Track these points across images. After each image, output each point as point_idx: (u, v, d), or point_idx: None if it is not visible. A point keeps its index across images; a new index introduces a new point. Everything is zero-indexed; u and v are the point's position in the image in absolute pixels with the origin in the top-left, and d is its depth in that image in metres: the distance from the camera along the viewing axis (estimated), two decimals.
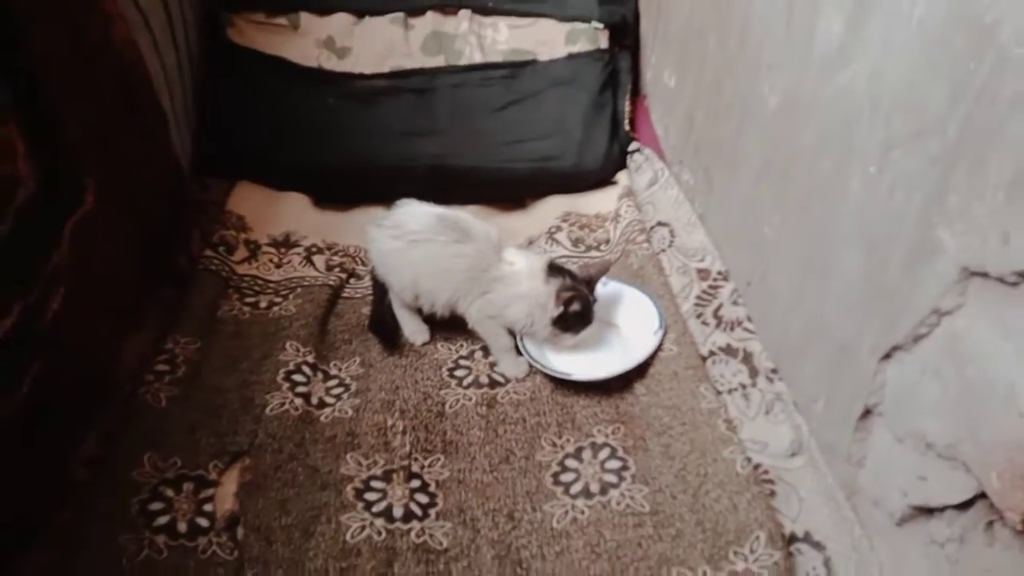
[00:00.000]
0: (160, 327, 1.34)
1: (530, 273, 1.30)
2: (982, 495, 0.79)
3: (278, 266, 1.57)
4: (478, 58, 1.84)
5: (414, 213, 1.34)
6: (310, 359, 1.34)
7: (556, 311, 1.27)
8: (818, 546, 1.02)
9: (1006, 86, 0.71)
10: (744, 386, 1.23)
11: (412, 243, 1.31)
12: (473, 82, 1.81)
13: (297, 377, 1.30)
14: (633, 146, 1.78)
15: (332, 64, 1.82)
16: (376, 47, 1.83)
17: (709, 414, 1.18)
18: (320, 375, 1.33)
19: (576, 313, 1.27)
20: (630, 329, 1.37)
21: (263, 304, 1.47)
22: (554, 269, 1.30)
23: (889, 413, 0.93)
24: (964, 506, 0.83)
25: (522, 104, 1.79)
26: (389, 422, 1.25)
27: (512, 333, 1.35)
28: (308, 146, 1.74)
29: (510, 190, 1.76)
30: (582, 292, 1.28)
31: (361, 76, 1.80)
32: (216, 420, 1.21)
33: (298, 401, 1.26)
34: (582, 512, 1.11)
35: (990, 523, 0.81)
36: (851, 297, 0.99)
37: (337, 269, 1.58)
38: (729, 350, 1.29)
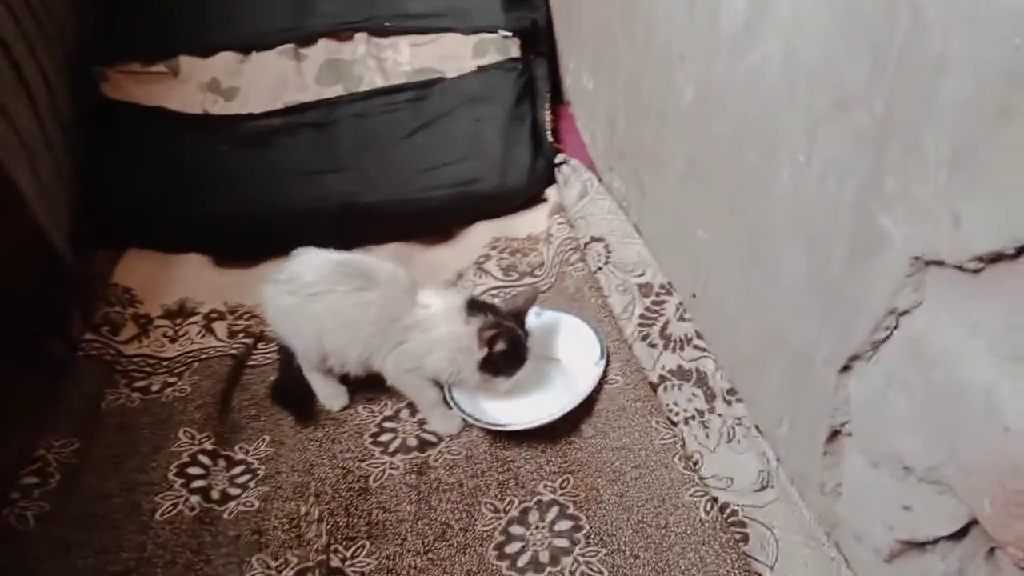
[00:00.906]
0: (28, 430, 1.19)
1: (447, 314, 1.18)
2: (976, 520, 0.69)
3: (173, 340, 1.43)
4: (380, 82, 1.73)
5: (309, 263, 1.21)
6: (208, 445, 1.20)
7: (480, 353, 1.15)
8: None
9: (928, 49, 0.62)
10: (701, 412, 1.12)
11: (310, 297, 1.18)
12: (376, 109, 1.69)
13: (193, 470, 1.16)
14: (559, 158, 1.68)
15: (219, 108, 1.69)
16: (266, 84, 1.71)
17: (664, 452, 1.06)
18: (222, 463, 1.19)
19: (504, 353, 1.15)
20: (572, 361, 1.26)
21: (155, 387, 1.32)
22: (475, 306, 1.18)
23: (858, 433, 0.82)
24: (958, 535, 0.72)
25: (433, 127, 1.68)
26: (302, 510, 1.11)
27: (439, 384, 1.23)
28: (201, 199, 1.61)
29: (431, 221, 1.64)
30: (508, 328, 1.16)
31: (252, 116, 1.68)
32: (96, 535, 1.06)
33: (194, 499, 1.12)
34: None
35: (991, 550, 0.70)
36: (799, 301, 0.89)
37: (241, 335, 1.44)
38: (681, 372, 1.18)
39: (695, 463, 1.05)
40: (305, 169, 1.65)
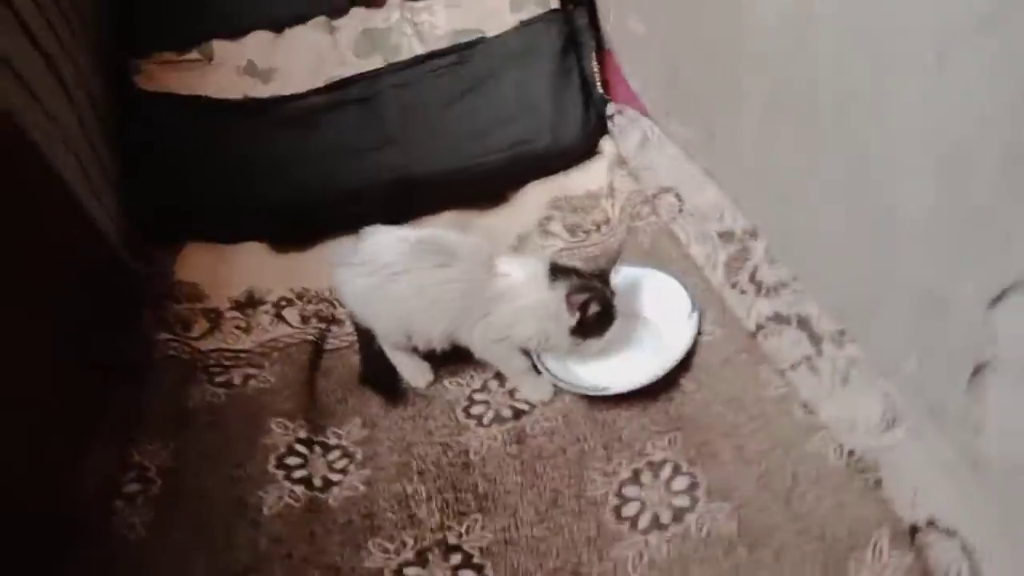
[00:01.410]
0: (122, 436, 1.17)
1: (531, 282, 1.14)
2: None
3: (246, 331, 1.40)
4: (419, 49, 1.66)
5: (385, 242, 1.17)
6: (302, 434, 1.18)
7: (572, 319, 1.11)
8: (949, 533, 0.86)
9: None
10: (808, 357, 1.07)
11: (391, 277, 1.14)
12: (419, 78, 1.63)
13: (291, 460, 1.14)
14: (611, 108, 1.61)
15: (259, 90, 1.64)
16: (304, 61, 1.65)
17: (779, 401, 1.02)
18: (318, 449, 1.17)
19: (597, 315, 1.11)
20: (660, 318, 1.21)
21: (237, 380, 1.30)
22: (558, 271, 1.14)
23: (1010, 369, 0.77)
24: None
25: (478, 90, 1.61)
26: (409, 489, 1.09)
27: (527, 352, 1.19)
28: (251, 187, 1.57)
29: (485, 186, 1.59)
30: (597, 289, 1.12)
31: (294, 97, 1.62)
32: (208, 537, 1.04)
33: (298, 489, 1.10)
34: (659, 550, 0.95)
35: None
36: (926, 232, 0.83)
37: (314, 320, 1.41)
38: (780, 318, 1.13)
39: (814, 410, 1.01)
40: (352, 146, 1.60)
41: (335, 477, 1.13)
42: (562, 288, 1.11)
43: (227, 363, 1.33)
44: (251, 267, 1.52)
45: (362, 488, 1.11)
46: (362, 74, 1.64)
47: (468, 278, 1.13)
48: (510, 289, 1.14)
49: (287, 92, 1.63)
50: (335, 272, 1.22)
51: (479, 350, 1.18)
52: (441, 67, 1.64)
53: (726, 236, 1.26)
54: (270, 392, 1.26)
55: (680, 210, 1.35)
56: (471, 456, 1.13)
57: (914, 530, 0.87)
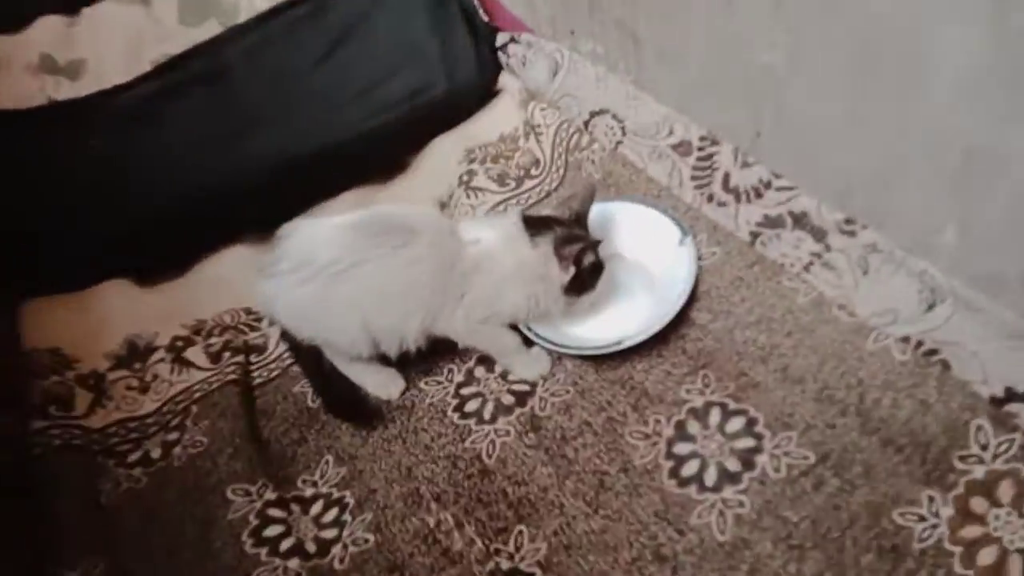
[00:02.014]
0: (32, 568, 0.88)
1: (508, 243, 0.97)
2: None
3: (144, 391, 1.12)
4: (261, 5, 1.38)
5: (320, 236, 0.94)
6: (270, 495, 0.95)
7: (566, 276, 0.96)
8: None
9: None
10: (818, 255, 1.00)
11: (338, 276, 0.92)
12: (272, 38, 1.36)
13: (270, 531, 0.91)
14: (502, 38, 1.44)
15: (66, 91, 1.29)
16: (116, 44, 1.32)
17: (816, 307, 0.94)
18: (296, 508, 0.95)
19: (592, 265, 0.97)
20: (644, 253, 1.09)
21: (156, 453, 1.03)
22: (533, 224, 0.98)
23: None
24: None
25: (348, 41, 1.37)
26: (430, 521, 0.91)
27: (513, 326, 1.03)
28: (89, 212, 1.24)
29: (382, 153, 1.38)
30: (583, 237, 0.98)
31: (117, 91, 1.29)
32: None
33: (293, 564, 0.88)
34: (740, 504, 0.85)
35: None
36: (965, 87, 0.76)
37: (227, 355, 1.15)
38: (772, 221, 1.05)
39: (854, 310, 0.94)
40: (209, 137, 1.31)
41: (330, 534, 0.92)
42: (546, 243, 0.95)
43: (134, 436, 1.06)
44: (119, 311, 1.22)
45: (372, 537, 0.91)
46: (198, 47, 1.34)
47: (436, 253, 0.93)
48: (486, 257, 0.96)
49: (106, 86, 1.29)
50: (259, 288, 0.97)
51: (464, 337, 0.99)
52: (296, 20, 1.37)
53: (683, 148, 1.16)
54: (207, 456, 1.01)
55: (623, 132, 1.22)
56: (486, 461, 0.96)
57: (994, 402, 0.83)
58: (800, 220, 1.03)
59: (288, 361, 1.13)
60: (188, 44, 1.33)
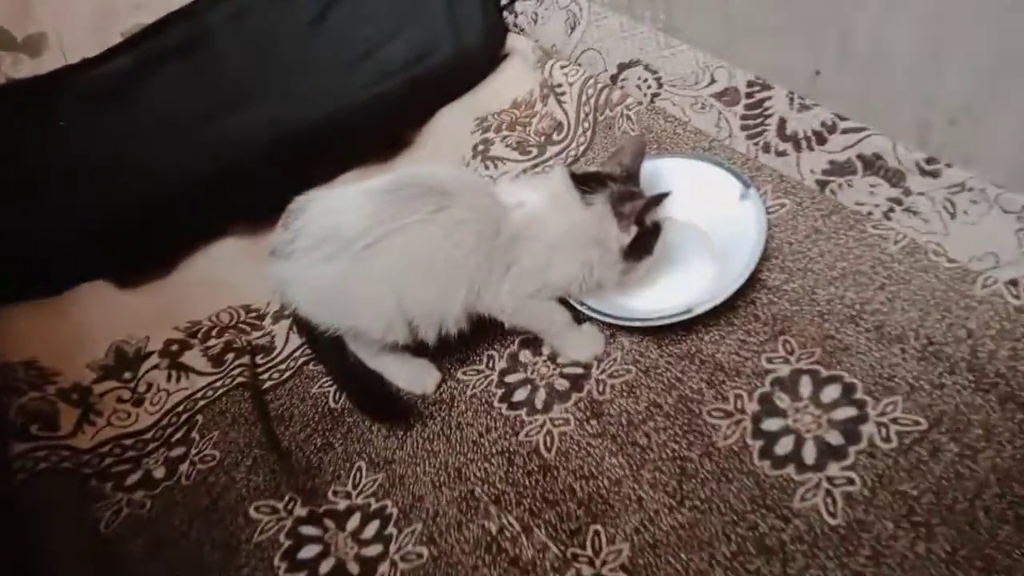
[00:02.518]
0: None
1: (556, 204, 0.86)
2: None
3: (139, 402, 0.99)
4: None
5: (340, 207, 0.83)
6: (300, 511, 0.83)
7: (627, 235, 0.85)
8: None
9: None
10: (898, 201, 0.91)
11: (368, 249, 0.80)
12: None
13: (307, 552, 0.80)
14: None
15: (26, 69, 1.15)
16: (80, 15, 1.17)
17: (910, 254, 0.85)
18: (331, 524, 0.83)
19: (655, 224, 0.86)
20: (703, 210, 0.98)
21: (160, 473, 0.91)
22: (583, 181, 0.87)
23: None
24: None
25: (343, 0, 1.25)
26: (493, 527, 0.80)
27: (562, 300, 0.92)
28: (59, 206, 1.10)
29: (385, 126, 1.27)
30: (643, 194, 0.87)
31: (85, 66, 1.15)
32: None
33: None
34: (849, 481, 0.75)
35: None
36: None
37: (230, 356, 1.03)
38: (840, 168, 0.96)
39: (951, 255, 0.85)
40: (191, 113, 1.18)
41: (374, 550, 0.81)
42: (601, 201, 0.85)
43: (131, 454, 0.93)
44: (101, 316, 1.10)
45: (424, 552, 0.79)
46: (174, 13, 1.20)
47: (478, 217, 0.82)
48: (534, 221, 0.85)
49: (72, 61, 1.15)
50: (272, 271, 0.86)
51: (511, 314, 0.88)
52: None
53: (728, 97, 1.07)
54: (221, 470, 0.89)
55: (659, 83, 1.13)
56: (545, 455, 0.85)
57: None
58: (872, 164, 0.94)
59: (301, 359, 1.01)
60: (164, 11, 1.20)
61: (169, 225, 1.15)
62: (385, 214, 0.81)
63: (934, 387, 0.78)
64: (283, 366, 1.02)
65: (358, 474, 0.89)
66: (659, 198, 0.84)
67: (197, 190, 1.14)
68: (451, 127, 1.27)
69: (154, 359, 1.04)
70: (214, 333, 1.07)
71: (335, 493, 0.87)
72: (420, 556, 0.79)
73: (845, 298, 0.87)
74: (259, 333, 1.07)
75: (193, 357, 1.04)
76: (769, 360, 0.86)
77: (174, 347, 1.05)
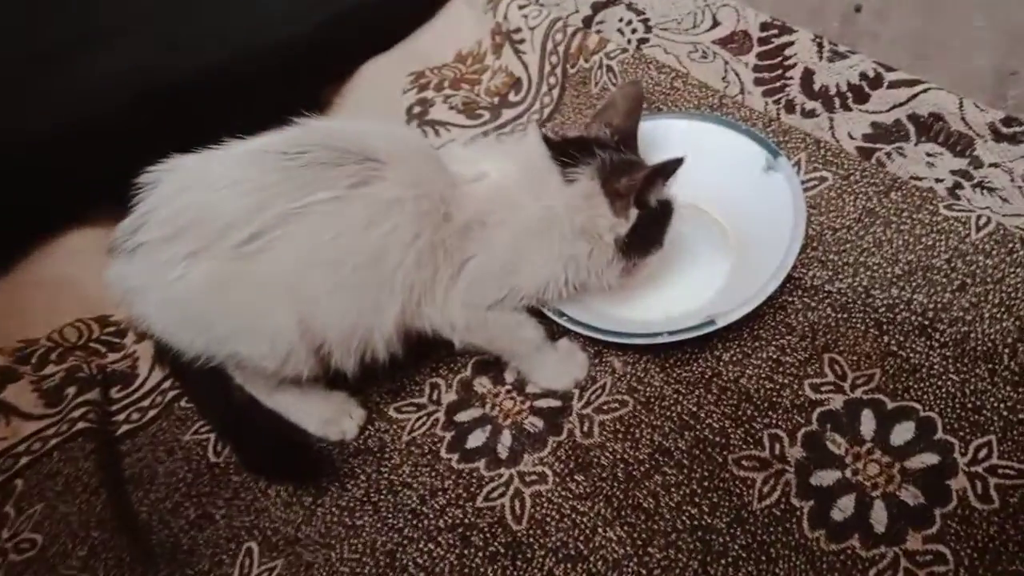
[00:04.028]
0: None
1: (527, 179, 0.64)
2: None
3: None
4: None
5: (212, 177, 0.60)
6: None
7: (625, 222, 0.64)
8: None
9: None
10: (964, 173, 0.73)
11: (250, 245, 0.58)
12: None
13: None
14: None
15: None
16: None
17: (1000, 244, 0.67)
18: None
19: (663, 205, 0.66)
20: (713, 185, 0.78)
21: None
22: (563, 148, 0.66)
23: None
24: None
25: None
26: None
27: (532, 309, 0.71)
28: None
29: (294, 81, 1.02)
30: (643, 163, 0.66)
31: None
32: None
33: None
34: (939, 558, 0.56)
35: None
36: None
37: (71, 391, 0.78)
38: (888, 132, 0.77)
39: None
40: (28, 56, 0.90)
41: None
42: (588, 175, 0.64)
43: None
44: None
45: None
46: None
47: (420, 193, 0.60)
48: (498, 200, 0.63)
49: None
50: (112, 274, 0.61)
51: (462, 330, 0.66)
52: None
53: (736, 43, 0.87)
54: (43, 566, 0.64)
55: (647, 26, 0.92)
56: (515, 527, 0.64)
57: None
58: (929, 127, 0.76)
59: (172, 394, 0.77)
60: None
61: (3, 207, 0.89)
62: (279, 189, 0.58)
63: None
64: (146, 402, 0.79)
65: (247, 560, 0.66)
66: (668, 167, 0.63)
67: (39, 160, 0.89)
68: (379, 84, 1.05)
69: None
70: (53, 357, 0.83)
71: None
72: None
73: (913, 302, 0.68)
74: (117, 356, 0.84)
75: (19, 392, 0.79)
76: (814, 387, 0.67)
77: None
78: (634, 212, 0.64)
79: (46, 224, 0.94)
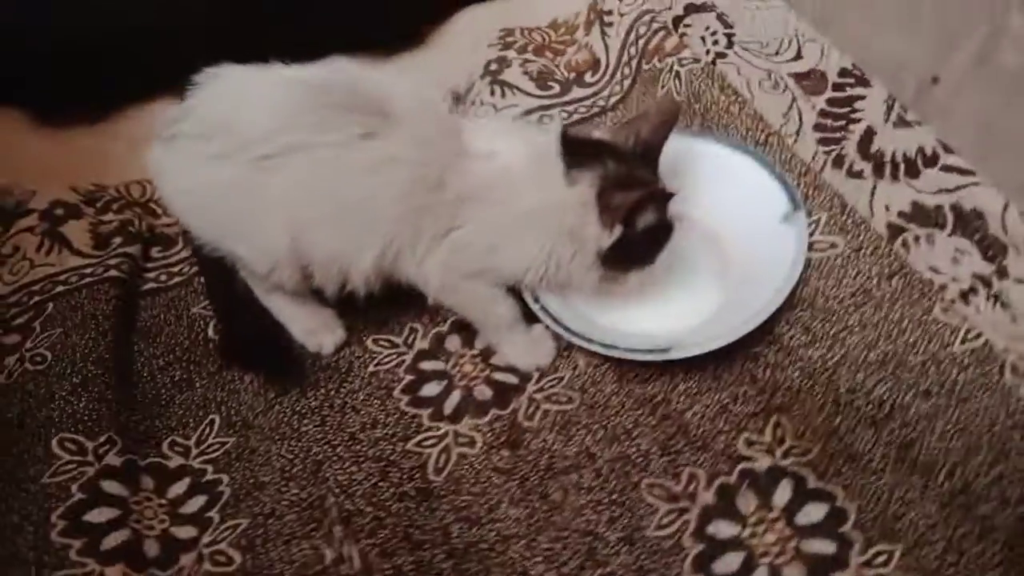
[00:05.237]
0: None
1: (533, 168, 0.67)
2: None
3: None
4: None
5: (252, 93, 0.65)
6: (113, 458, 0.68)
7: (608, 236, 0.66)
8: None
9: None
10: (984, 280, 0.70)
11: (265, 162, 0.63)
12: None
13: (99, 513, 0.65)
14: None
15: None
16: None
17: (979, 363, 0.65)
18: (149, 481, 0.69)
19: (652, 229, 0.67)
20: (731, 222, 0.77)
21: None
22: (576, 148, 0.67)
23: None
24: None
25: None
26: (328, 554, 0.64)
27: (513, 288, 0.74)
28: None
29: (395, 9, 1.05)
30: (648, 183, 0.67)
31: None
32: None
33: (112, 572, 0.62)
34: None
35: None
36: None
37: (117, 240, 0.88)
38: (925, 215, 0.74)
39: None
40: None
41: (185, 532, 0.66)
42: (588, 181, 0.65)
43: None
44: None
45: (238, 558, 0.65)
46: None
47: (420, 158, 0.64)
48: (498, 181, 0.66)
49: None
50: (153, 153, 0.69)
51: (436, 289, 0.70)
52: None
53: (812, 81, 0.84)
54: (43, 380, 0.74)
55: (729, 41, 0.90)
56: (432, 477, 0.69)
57: None
58: (968, 222, 0.72)
59: (196, 268, 0.85)
60: None
61: (107, 64, 0.98)
62: (300, 121, 0.63)
63: (951, 551, 0.59)
64: (175, 269, 0.87)
65: (207, 429, 0.74)
66: (661, 196, 0.64)
67: (142, 31, 0.97)
68: (468, 31, 1.07)
69: (32, 219, 0.89)
70: (115, 207, 0.93)
71: (172, 445, 0.73)
72: (230, 562, 0.64)
73: (873, 393, 0.66)
74: (168, 220, 0.92)
75: (77, 229, 0.89)
76: (749, 442, 0.67)
77: (59, 211, 0.90)
78: (619, 229, 0.65)
79: (145, 87, 1.04)
